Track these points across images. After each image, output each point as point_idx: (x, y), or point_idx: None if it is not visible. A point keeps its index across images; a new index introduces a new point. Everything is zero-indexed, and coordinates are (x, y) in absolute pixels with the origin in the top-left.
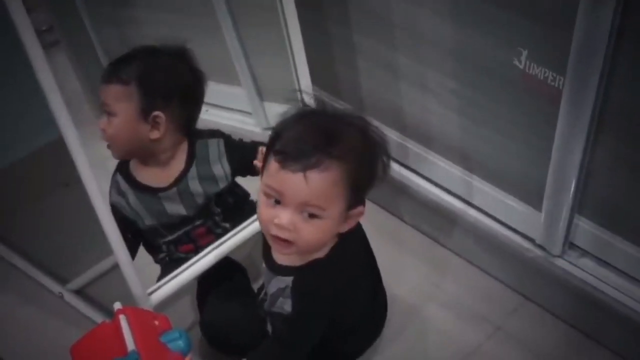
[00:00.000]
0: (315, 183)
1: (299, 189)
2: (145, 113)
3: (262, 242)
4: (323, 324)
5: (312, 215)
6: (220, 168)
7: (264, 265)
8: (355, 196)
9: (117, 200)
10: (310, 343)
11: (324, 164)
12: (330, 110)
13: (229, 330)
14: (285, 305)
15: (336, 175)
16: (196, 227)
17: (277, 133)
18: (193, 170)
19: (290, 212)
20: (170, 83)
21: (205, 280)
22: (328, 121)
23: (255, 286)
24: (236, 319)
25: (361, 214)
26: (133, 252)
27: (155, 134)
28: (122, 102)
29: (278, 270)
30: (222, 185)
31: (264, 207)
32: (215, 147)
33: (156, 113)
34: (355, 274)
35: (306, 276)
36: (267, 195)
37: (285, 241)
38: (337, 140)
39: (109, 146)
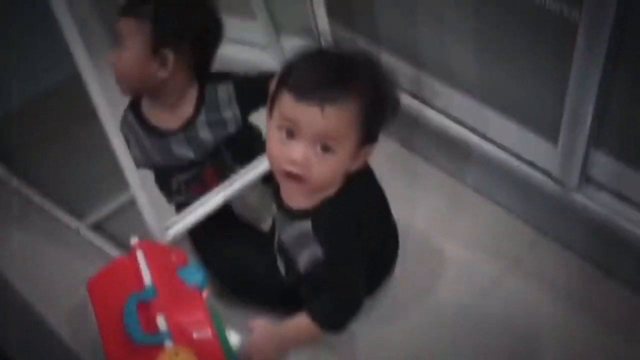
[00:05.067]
0: (331, 116)
1: (315, 120)
2: (155, 50)
3: (273, 189)
4: (361, 256)
5: (325, 150)
6: (231, 112)
7: (275, 210)
8: (366, 134)
9: (125, 134)
10: (361, 278)
11: (340, 99)
12: (338, 49)
13: (244, 272)
14: (316, 252)
15: (350, 111)
16: (206, 168)
17: (288, 70)
18: (202, 116)
19: (304, 145)
20: (184, 24)
21: (202, 230)
22: (339, 58)
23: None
24: (251, 261)
25: (370, 153)
26: None
27: (162, 73)
28: (134, 36)
29: (293, 215)
30: (232, 129)
31: (276, 143)
32: (224, 92)
33: (165, 51)
34: (367, 208)
35: (324, 215)
36: (280, 128)
37: (298, 178)
38: (350, 77)
39: (117, 81)
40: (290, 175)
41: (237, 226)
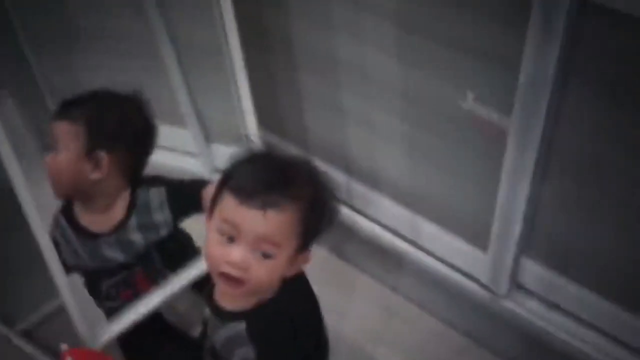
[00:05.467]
0: (273, 221)
1: (257, 223)
2: (89, 152)
3: (206, 291)
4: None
5: (265, 255)
6: (162, 216)
7: (208, 313)
8: (305, 240)
9: (55, 238)
10: None
11: (281, 204)
12: (279, 154)
13: None
14: (248, 354)
15: (291, 216)
16: (135, 272)
17: (229, 173)
18: (133, 220)
19: (244, 248)
20: (118, 126)
21: (132, 335)
22: (279, 163)
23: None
24: None
25: (308, 259)
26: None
27: (96, 175)
28: (68, 139)
29: (227, 317)
30: (164, 232)
31: (215, 245)
32: (156, 196)
33: (100, 153)
34: (302, 313)
35: (260, 318)
36: (221, 231)
37: (235, 281)
38: (291, 182)
39: (51, 184)
40: (227, 277)
41: (167, 331)
